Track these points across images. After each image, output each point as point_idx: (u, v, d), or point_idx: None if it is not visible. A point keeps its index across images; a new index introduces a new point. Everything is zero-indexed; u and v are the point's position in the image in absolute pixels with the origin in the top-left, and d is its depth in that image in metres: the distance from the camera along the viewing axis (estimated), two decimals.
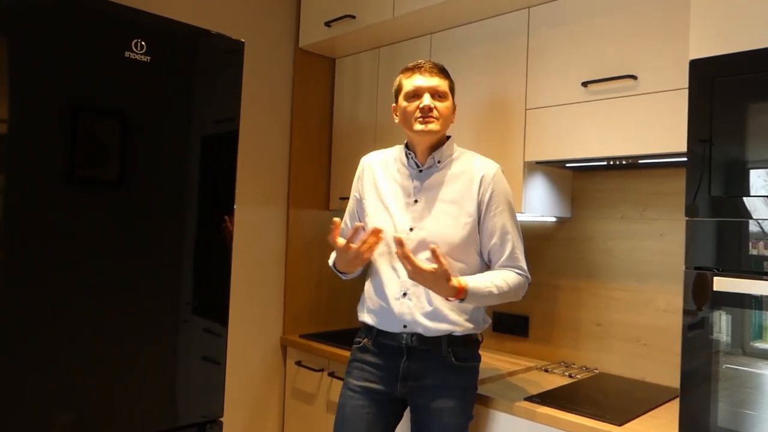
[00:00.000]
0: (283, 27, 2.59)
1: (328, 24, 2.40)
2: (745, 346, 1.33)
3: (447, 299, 1.51)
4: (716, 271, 1.34)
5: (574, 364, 2.13)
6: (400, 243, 1.44)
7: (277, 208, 2.61)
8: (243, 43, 1.61)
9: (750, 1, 1.33)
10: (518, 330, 2.32)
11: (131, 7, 1.40)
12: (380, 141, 2.43)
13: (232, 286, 2.35)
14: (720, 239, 1.34)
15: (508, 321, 2.34)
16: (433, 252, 1.42)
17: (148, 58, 1.42)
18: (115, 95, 1.41)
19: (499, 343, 2.36)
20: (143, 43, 1.40)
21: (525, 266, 1.65)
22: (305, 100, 2.65)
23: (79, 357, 1.43)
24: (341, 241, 1.57)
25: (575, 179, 2.19)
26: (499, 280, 1.57)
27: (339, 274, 1.74)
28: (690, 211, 1.38)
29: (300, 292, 2.65)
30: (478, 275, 1.58)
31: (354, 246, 1.55)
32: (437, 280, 1.45)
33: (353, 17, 2.31)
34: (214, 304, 1.76)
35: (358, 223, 1.59)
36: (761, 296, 1.28)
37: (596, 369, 2.08)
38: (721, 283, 1.31)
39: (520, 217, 1.93)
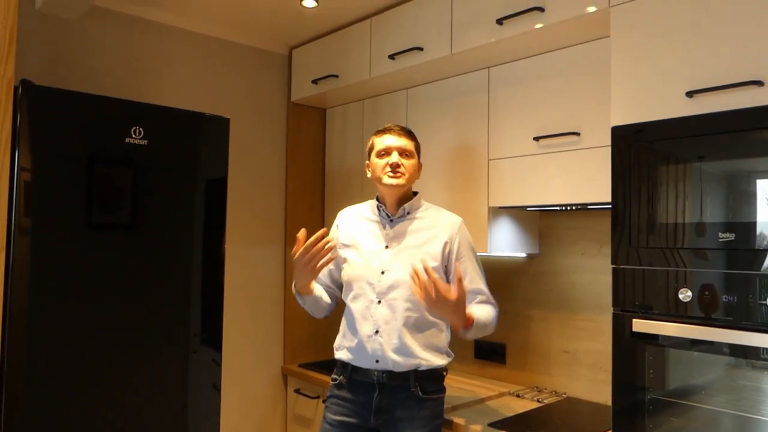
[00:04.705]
0: (276, 85, 2.85)
1: (315, 81, 2.65)
2: (665, 379, 1.51)
3: (456, 328, 1.69)
4: (639, 313, 1.53)
5: (545, 389, 2.31)
6: (426, 271, 1.56)
7: (276, 247, 2.85)
8: (228, 119, 1.87)
9: (658, 79, 1.54)
10: (497, 357, 2.51)
11: (131, 100, 1.67)
12: (368, 183, 2.65)
13: (237, 319, 2.63)
14: (640, 285, 1.53)
15: (488, 348, 2.53)
16: (459, 280, 1.59)
17: (146, 141, 1.68)
18: (121, 165, 1.71)
19: (480, 369, 2.55)
20: (141, 129, 1.67)
21: (493, 299, 1.86)
22: (299, 147, 2.90)
23: (95, 384, 1.69)
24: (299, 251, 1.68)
25: (542, 218, 2.38)
26: (487, 314, 1.78)
27: (298, 298, 1.88)
28: (614, 259, 1.57)
29: (299, 324, 2.88)
30: (475, 307, 1.78)
31: (306, 251, 1.67)
32: (459, 305, 1.61)
33: (336, 76, 2.55)
34: (214, 336, 2.02)
35: (323, 230, 1.73)
36: (674, 337, 1.47)
37: (565, 393, 2.26)
38: (639, 325, 1.50)
39: (487, 256, 2.14)
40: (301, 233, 1.71)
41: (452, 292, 1.59)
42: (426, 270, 1.57)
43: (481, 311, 1.76)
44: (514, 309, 2.44)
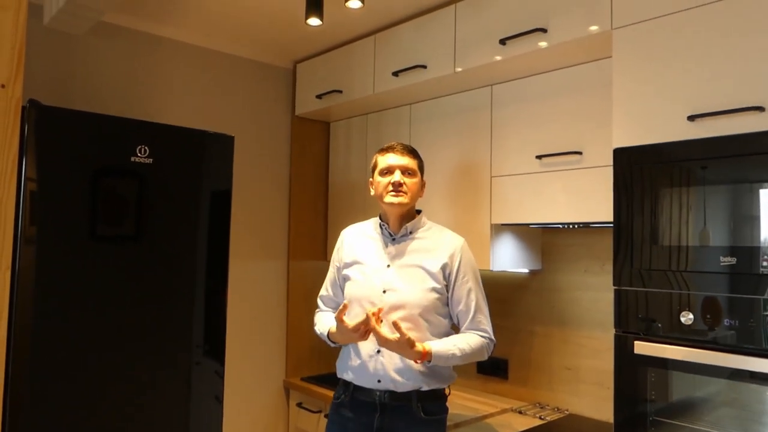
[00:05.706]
0: (280, 98, 2.87)
1: (319, 96, 2.67)
2: (667, 400, 1.51)
3: (415, 362, 1.72)
4: (641, 335, 1.53)
5: (548, 406, 2.31)
6: (374, 316, 1.67)
7: (279, 261, 2.86)
8: (232, 137, 1.88)
9: (659, 101, 1.54)
10: (499, 372, 2.51)
11: (137, 119, 1.68)
12: (371, 197, 2.66)
13: (240, 332, 2.63)
14: (643, 307, 1.53)
15: (490, 364, 2.52)
16: (395, 324, 1.64)
17: (151, 160, 1.69)
18: (126, 182, 1.71)
19: (483, 384, 2.55)
20: (146, 148, 1.68)
21: (488, 328, 1.83)
22: (302, 160, 2.91)
23: (98, 395, 1.70)
24: (351, 324, 1.71)
25: (545, 234, 2.38)
26: (462, 343, 1.77)
27: (330, 343, 1.92)
28: (617, 280, 1.58)
29: (301, 337, 2.88)
30: (443, 339, 1.78)
31: (355, 326, 1.72)
32: (402, 347, 1.67)
33: (340, 92, 2.57)
34: (217, 348, 2.03)
35: (345, 302, 1.77)
36: (675, 360, 1.46)
37: (567, 410, 2.25)
38: (641, 347, 1.50)
39: (490, 273, 2.14)
40: (347, 302, 1.78)
41: (389, 341, 1.67)
42: (368, 317, 1.69)
43: (451, 344, 1.74)
44: (517, 324, 2.44)
